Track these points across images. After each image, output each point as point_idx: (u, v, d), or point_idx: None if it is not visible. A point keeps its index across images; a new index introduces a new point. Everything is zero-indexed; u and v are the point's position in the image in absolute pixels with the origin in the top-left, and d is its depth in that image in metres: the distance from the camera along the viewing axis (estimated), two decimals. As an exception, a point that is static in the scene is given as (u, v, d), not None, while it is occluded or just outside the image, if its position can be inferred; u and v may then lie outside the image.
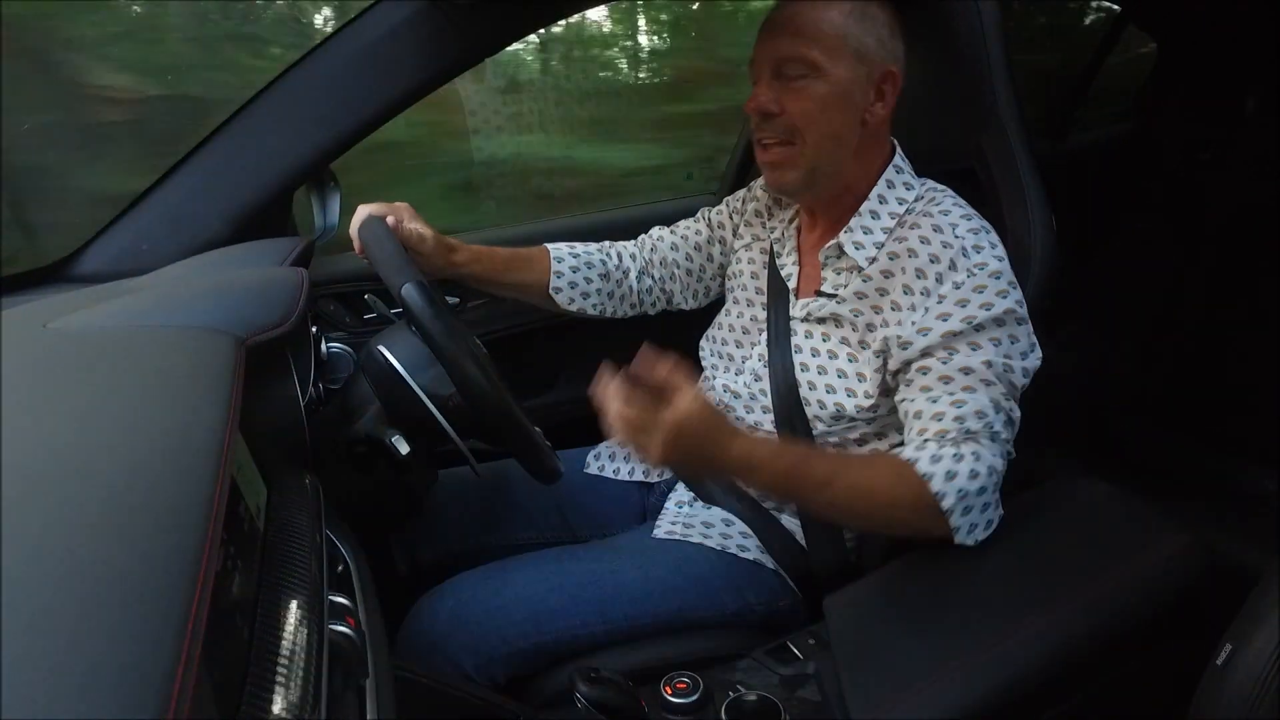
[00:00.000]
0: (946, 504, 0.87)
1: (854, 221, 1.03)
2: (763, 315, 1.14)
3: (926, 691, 0.80)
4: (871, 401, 1.00)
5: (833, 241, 1.04)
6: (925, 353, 0.93)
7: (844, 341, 1.03)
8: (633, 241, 1.32)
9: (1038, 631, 0.83)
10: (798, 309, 1.08)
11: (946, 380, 0.92)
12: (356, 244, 1.06)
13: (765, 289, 1.14)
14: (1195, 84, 2.01)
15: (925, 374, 0.93)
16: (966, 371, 0.91)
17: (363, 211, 1.08)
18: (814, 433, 1.05)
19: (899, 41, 1.01)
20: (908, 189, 1.04)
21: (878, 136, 1.04)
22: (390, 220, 1.06)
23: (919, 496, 0.88)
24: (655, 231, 1.32)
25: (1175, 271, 2.05)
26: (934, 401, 0.92)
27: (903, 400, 0.96)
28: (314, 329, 1.04)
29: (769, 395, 1.08)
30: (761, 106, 0.99)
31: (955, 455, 0.88)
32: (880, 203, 1.03)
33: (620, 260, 1.29)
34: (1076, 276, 2.01)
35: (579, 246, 1.27)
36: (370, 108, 1.22)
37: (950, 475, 0.87)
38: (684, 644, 1.03)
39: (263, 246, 1.12)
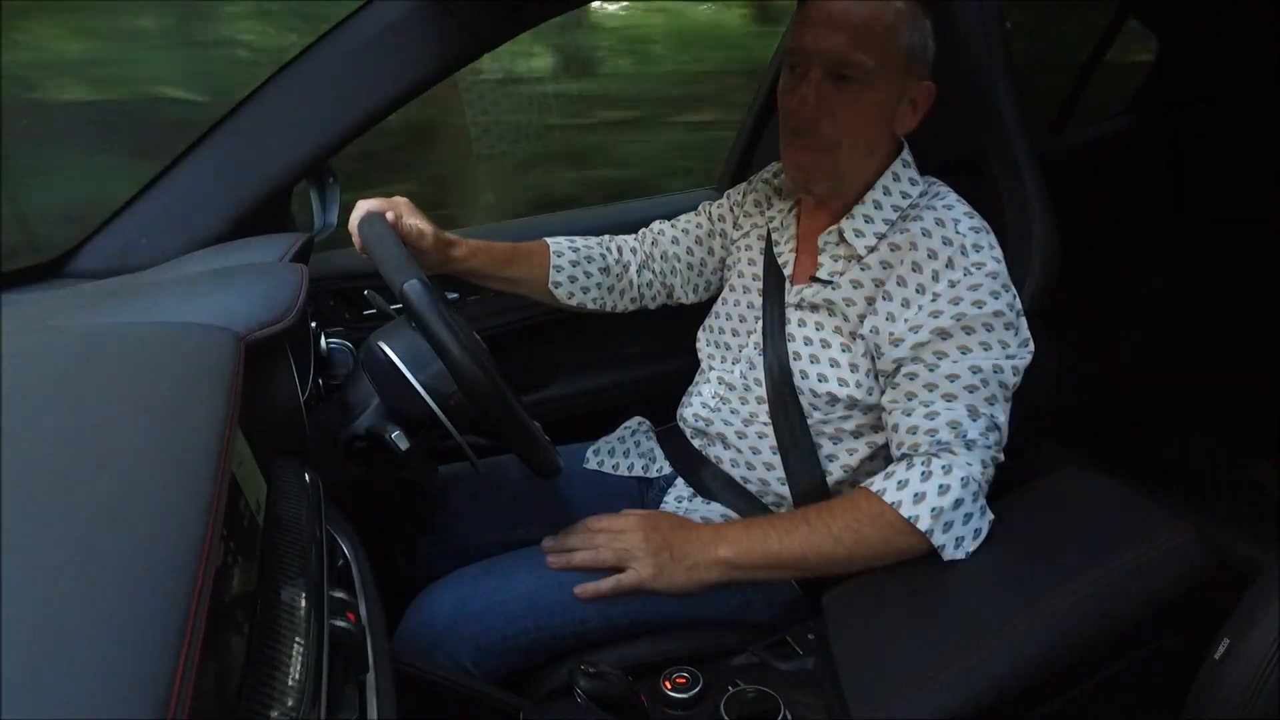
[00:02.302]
0: (924, 525, 0.90)
1: (857, 209, 1.04)
2: (759, 302, 1.14)
3: (925, 687, 0.81)
4: (864, 391, 1.01)
5: (834, 227, 1.04)
6: (915, 353, 0.94)
7: (837, 331, 1.03)
8: (633, 235, 1.32)
9: (1037, 626, 0.83)
10: (792, 295, 1.09)
11: (930, 388, 0.94)
12: (356, 240, 1.06)
13: (762, 275, 1.15)
14: (1197, 78, 2.01)
15: (913, 379, 0.95)
16: (952, 379, 0.92)
17: (362, 207, 1.08)
18: (809, 420, 1.05)
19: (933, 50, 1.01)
20: (912, 184, 1.05)
21: (896, 138, 1.05)
22: (390, 216, 1.06)
23: (896, 533, 0.92)
24: (656, 225, 1.32)
25: (1176, 266, 2.05)
26: (908, 415, 0.94)
27: (883, 404, 0.99)
28: (313, 325, 1.04)
29: (763, 385, 1.09)
30: (811, 111, 0.97)
31: (922, 474, 0.91)
32: (884, 194, 1.04)
33: (620, 254, 1.29)
34: (1077, 271, 2.01)
35: (579, 240, 1.27)
36: (370, 103, 1.22)
37: (918, 497, 0.90)
38: (683, 639, 1.03)
39: (262, 242, 1.12)
